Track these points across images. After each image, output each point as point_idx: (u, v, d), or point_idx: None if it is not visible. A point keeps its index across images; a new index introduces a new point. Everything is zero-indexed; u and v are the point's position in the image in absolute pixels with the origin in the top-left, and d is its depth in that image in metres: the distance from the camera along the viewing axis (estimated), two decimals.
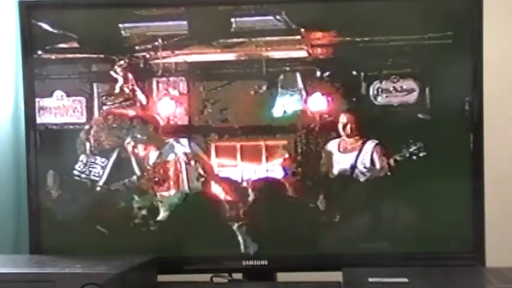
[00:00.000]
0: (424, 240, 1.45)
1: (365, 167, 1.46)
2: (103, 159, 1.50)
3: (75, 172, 1.50)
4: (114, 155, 1.50)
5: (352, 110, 1.46)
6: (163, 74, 1.49)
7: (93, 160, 1.50)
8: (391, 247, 1.46)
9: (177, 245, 1.50)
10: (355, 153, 1.46)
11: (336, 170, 1.47)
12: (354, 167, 1.46)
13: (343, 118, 1.46)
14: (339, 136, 1.46)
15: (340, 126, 1.46)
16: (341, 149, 1.46)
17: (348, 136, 1.46)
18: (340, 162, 1.47)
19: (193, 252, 1.50)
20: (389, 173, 1.45)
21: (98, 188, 1.50)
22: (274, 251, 1.48)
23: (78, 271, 1.24)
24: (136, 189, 1.50)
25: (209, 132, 1.49)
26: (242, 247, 1.48)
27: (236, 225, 1.49)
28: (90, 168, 1.50)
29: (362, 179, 1.46)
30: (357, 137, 1.46)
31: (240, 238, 1.49)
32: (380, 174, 1.46)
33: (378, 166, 1.45)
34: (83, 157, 1.50)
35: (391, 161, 1.45)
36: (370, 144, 1.46)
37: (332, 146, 1.46)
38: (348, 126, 1.45)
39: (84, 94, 1.51)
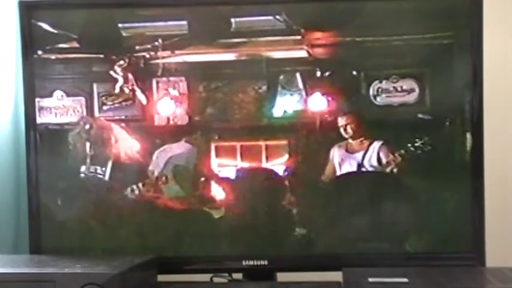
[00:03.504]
0: (424, 240, 1.45)
1: (366, 167, 1.46)
2: (104, 159, 1.51)
3: (76, 172, 1.50)
4: (114, 155, 1.51)
5: (351, 110, 1.46)
6: (163, 74, 1.49)
7: (93, 160, 1.50)
8: (391, 247, 1.46)
9: (177, 245, 1.50)
10: (360, 153, 1.46)
11: (335, 171, 1.47)
12: (356, 166, 1.46)
13: (343, 119, 1.46)
14: (338, 136, 1.46)
15: (341, 128, 1.45)
16: (340, 150, 1.46)
17: (349, 137, 1.46)
18: (340, 163, 1.47)
19: (193, 252, 1.50)
20: (388, 174, 1.45)
21: (98, 188, 1.50)
22: (274, 251, 1.48)
23: (78, 271, 1.24)
24: (136, 189, 1.50)
25: (209, 132, 1.49)
26: (242, 247, 1.48)
27: (236, 225, 1.49)
28: (91, 168, 1.50)
29: (362, 180, 1.46)
30: (357, 138, 1.46)
31: (240, 238, 1.49)
32: (379, 175, 1.46)
33: (378, 166, 1.45)
34: (83, 157, 1.50)
35: (391, 162, 1.45)
36: (373, 145, 1.46)
37: (333, 146, 1.46)
38: (349, 127, 1.45)
39: (84, 94, 1.51)
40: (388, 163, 1.45)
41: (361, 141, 1.46)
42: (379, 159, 1.45)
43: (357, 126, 1.46)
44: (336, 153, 1.46)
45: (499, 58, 1.63)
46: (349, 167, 1.46)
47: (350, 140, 1.46)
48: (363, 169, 1.46)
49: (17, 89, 1.63)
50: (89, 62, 1.51)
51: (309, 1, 1.49)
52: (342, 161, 1.46)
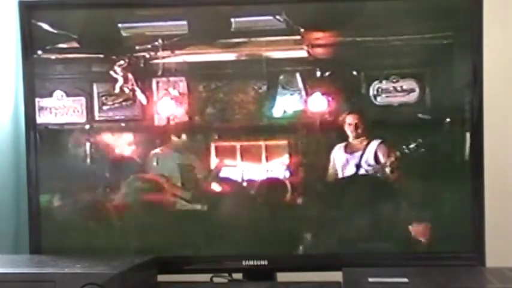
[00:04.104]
0: (424, 240, 1.45)
1: (365, 167, 1.46)
2: (104, 159, 1.51)
3: (76, 172, 1.50)
4: (114, 155, 1.51)
5: (352, 111, 1.46)
6: (163, 74, 1.49)
7: (93, 160, 1.50)
8: (391, 247, 1.46)
9: (177, 245, 1.50)
10: (359, 153, 1.46)
11: (336, 171, 1.47)
12: (355, 166, 1.46)
13: (350, 118, 1.45)
14: (339, 136, 1.46)
15: (349, 126, 1.45)
16: (340, 150, 1.47)
17: (354, 136, 1.46)
18: (341, 163, 1.47)
19: (193, 252, 1.50)
20: (389, 174, 1.45)
21: (98, 188, 1.50)
22: (274, 251, 1.48)
23: (78, 271, 1.24)
24: (137, 189, 1.50)
25: (209, 132, 1.49)
26: (242, 247, 1.48)
27: (236, 225, 1.49)
28: (91, 168, 1.50)
29: (362, 179, 1.47)
30: (358, 138, 1.46)
31: (240, 238, 1.49)
32: (380, 175, 1.46)
33: (377, 166, 1.45)
34: (83, 157, 1.50)
35: (391, 162, 1.45)
36: (370, 144, 1.46)
37: (333, 146, 1.46)
38: (352, 127, 1.45)
39: (84, 94, 1.51)
40: (388, 163, 1.45)
41: (361, 141, 1.46)
42: (376, 159, 1.45)
43: (358, 126, 1.46)
44: (336, 154, 1.46)
45: (499, 58, 1.63)
46: (350, 167, 1.46)
47: (351, 140, 1.46)
48: (362, 169, 1.46)
49: (17, 89, 1.63)
50: (89, 62, 1.51)
51: (309, 1, 1.49)
52: (342, 162, 1.46)
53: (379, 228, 1.47)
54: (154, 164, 1.50)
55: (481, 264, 1.42)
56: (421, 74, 1.45)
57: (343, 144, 1.46)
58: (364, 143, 1.46)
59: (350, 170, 1.47)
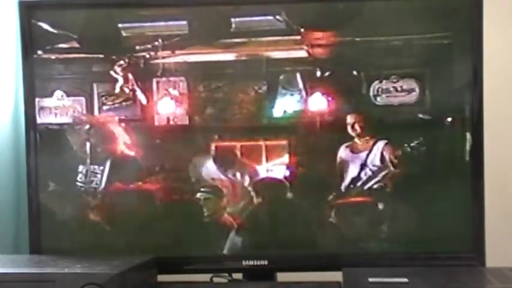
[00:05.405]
0: (424, 240, 1.45)
1: (370, 167, 1.46)
2: (104, 159, 1.51)
3: (75, 172, 1.50)
4: (114, 155, 1.51)
5: (351, 111, 1.46)
6: (163, 74, 1.49)
7: (93, 160, 1.50)
8: (391, 247, 1.46)
9: (177, 245, 1.50)
10: (365, 153, 1.46)
11: (337, 170, 1.47)
12: (360, 166, 1.46)
13: (351, 117, 1.45)
14: (339, 136, 1.46)
15: (348, 126, 1.45)
16: (345, 150, 1.46)
17: (356, 135, 1.46)
18: (345, 163, 1.46)
19: (193, 252, 1.50)
20: (389, 174, 1.45)
21: (98, 188, 1.50)
22: (274, 251, 1.48)
23: (78, 271, 1.24)
24: (137, 189, 1.50)
25: (209, 132, 1.49)
26: (242, 247, 1.48)
27: (236, 225, 1.49)
28: (91, 168, 1.50)
29: (362, 179, 1.47)
30: (361, 137, 1.46)
31: (240, 238, 1.49)
32: (380, 175, 1.46)
33: (382, 166, 1.45)
34: (83, 157, 1.50)
35: (391, 162, 1.45)
36: (376, 145, 1.46)
37: (333, 146, 1.46)
38: (357, 125, 1.45)
39: (84, 94, 1.51)
40: (389, 163, 1.45)
41: (365, 141, 1.46)
42: (382, 159, 1.45)
43: (359, 126, 1.46)
44: (341, 153, 1.46)
45: (499, 58, 1.63)
46: (353, 166, 1.46)
47: (356, 140, 1.46)
48: (366, 168, 1.46)
49: (17, 89, 1.63)
50: (89, 62, 1.51)
51: (309, 1, 1.49)
52: (346, 161, 1.46)
53: (379, 228, 1.47)
54: (155, 163, 1.50)
55: (481, 264, 1.42)
56: (421, 74, 1.45)
57: (347, 143, 1.46)
58: (370, 143, 1.46)
59: (353, 170, 1.47)
